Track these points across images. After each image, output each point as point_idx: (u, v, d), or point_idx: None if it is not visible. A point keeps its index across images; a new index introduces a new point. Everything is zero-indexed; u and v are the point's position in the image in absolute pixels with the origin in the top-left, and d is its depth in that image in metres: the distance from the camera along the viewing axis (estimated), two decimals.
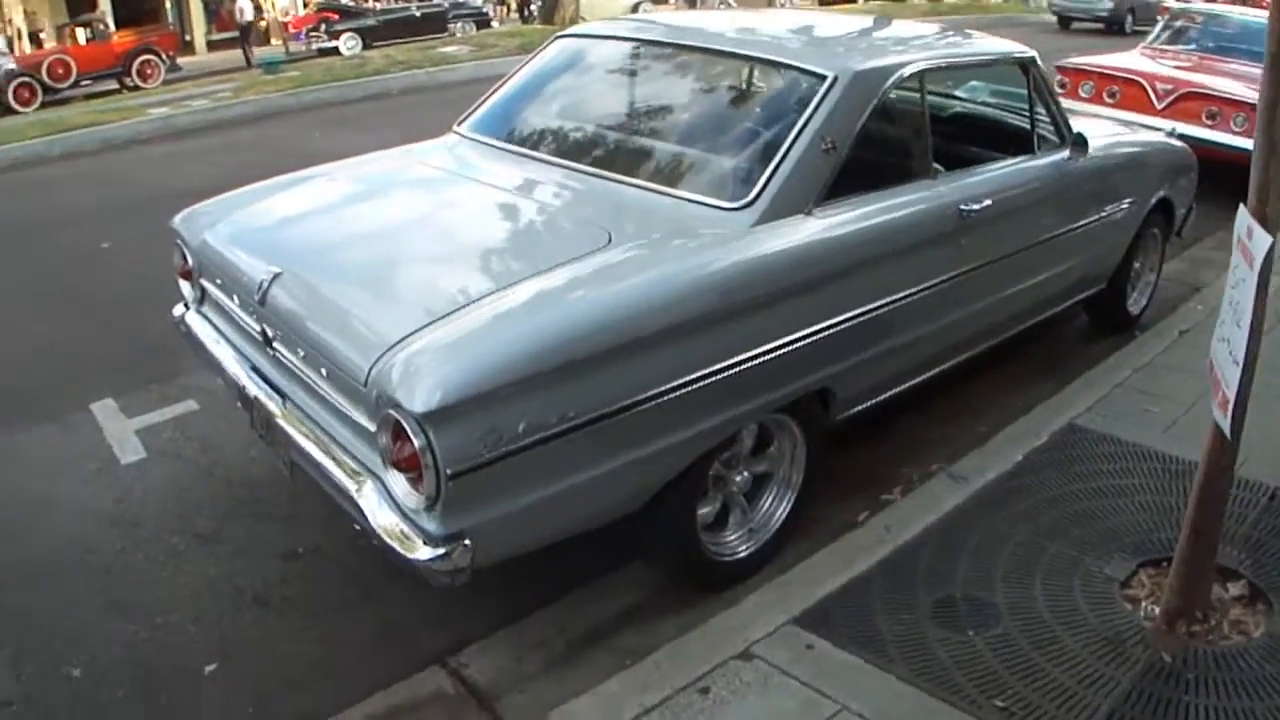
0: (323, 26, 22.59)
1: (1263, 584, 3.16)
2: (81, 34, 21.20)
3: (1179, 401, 4.37)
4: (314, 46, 22.52)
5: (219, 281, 3.51)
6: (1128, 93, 8.20)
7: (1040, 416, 4.31)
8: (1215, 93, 7.78)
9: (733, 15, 5.16)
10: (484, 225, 3.47)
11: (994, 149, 4.34)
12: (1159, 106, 7.97)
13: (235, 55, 23.84)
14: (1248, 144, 7.08)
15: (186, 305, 3.87)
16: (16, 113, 17.82)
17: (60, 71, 19.51)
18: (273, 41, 25.34)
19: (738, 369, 3.01)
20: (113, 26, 22.19)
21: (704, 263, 3.02)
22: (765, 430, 3.42)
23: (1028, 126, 4.35)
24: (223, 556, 3.66)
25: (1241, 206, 2.68)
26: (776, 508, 3.53)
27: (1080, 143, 4.39)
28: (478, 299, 2.74)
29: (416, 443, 2.42)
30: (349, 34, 22.01)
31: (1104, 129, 5.45)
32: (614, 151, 3.79)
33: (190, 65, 22.80)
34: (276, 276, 3.09)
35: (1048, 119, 4.44)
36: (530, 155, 3.83)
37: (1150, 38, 9.35)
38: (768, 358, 3.09)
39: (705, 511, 3.27)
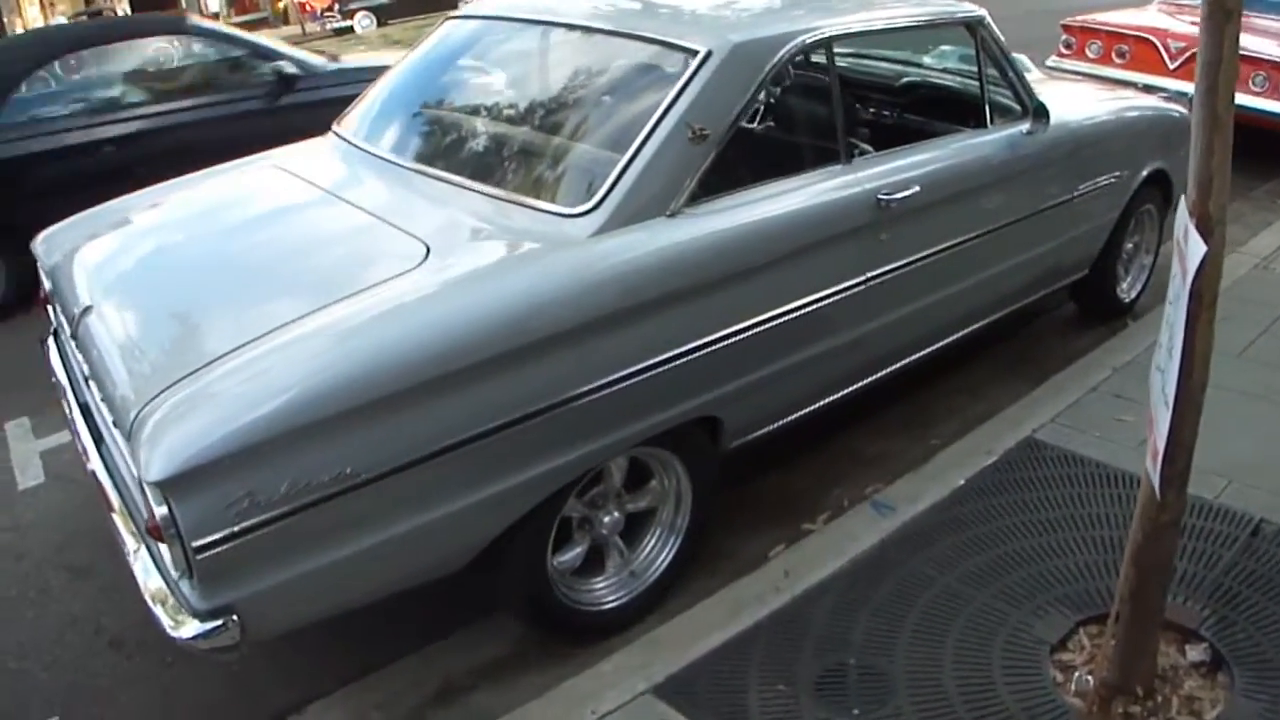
0: (336, 6, 22.25)
1: (1227, 649, 2.62)
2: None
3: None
4: (329, 26, 22.18)
5: (58, 309, 3.20)
6: (1138, 52, 7.51)
7: (994, 429, 3.78)
8: None
9: None
10: (303, 248, 3.01)
11: (936, 125, 3.79)
12: (1171, 66, 7.29)
13: (257, 35, 23.55)
14: (1269, 105, 6.46)
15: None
16: None
17: None
18: (290, 21, 25.03)
19: (577, 403, 2.56)
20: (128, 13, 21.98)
21: (520, 284, 2.55)
22: (643, 464, 2.97)
23: (978, 97, 3.78)
24: (91, 594, 3.43)
25: (1182, 202, 2.16)
26: (659, 554, 3.08)
27: (1041, 113, 3.82)
28: (247, 343, 2.34)
29: (158, 512, 2.10)
30: (363, 12, 21.66)
31: (1088, 94, 4.86)
32: (465, 152, 3.34)
33: None
34: (86, 310, 2.80)
35: (1004, 87, 3.87)
36: (385, 159, 3.37)
37: None
38: (619, 387, 2.63)
39: (569, 556, 2.89)
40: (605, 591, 2.98)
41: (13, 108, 5.93)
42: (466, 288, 2.52)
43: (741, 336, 2.90)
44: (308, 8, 24.51)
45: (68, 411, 3.10)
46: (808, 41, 3.12)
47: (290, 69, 6.61)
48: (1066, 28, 7.96)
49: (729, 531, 3.43)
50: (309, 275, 2.76)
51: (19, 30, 22.47)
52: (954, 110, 3.95)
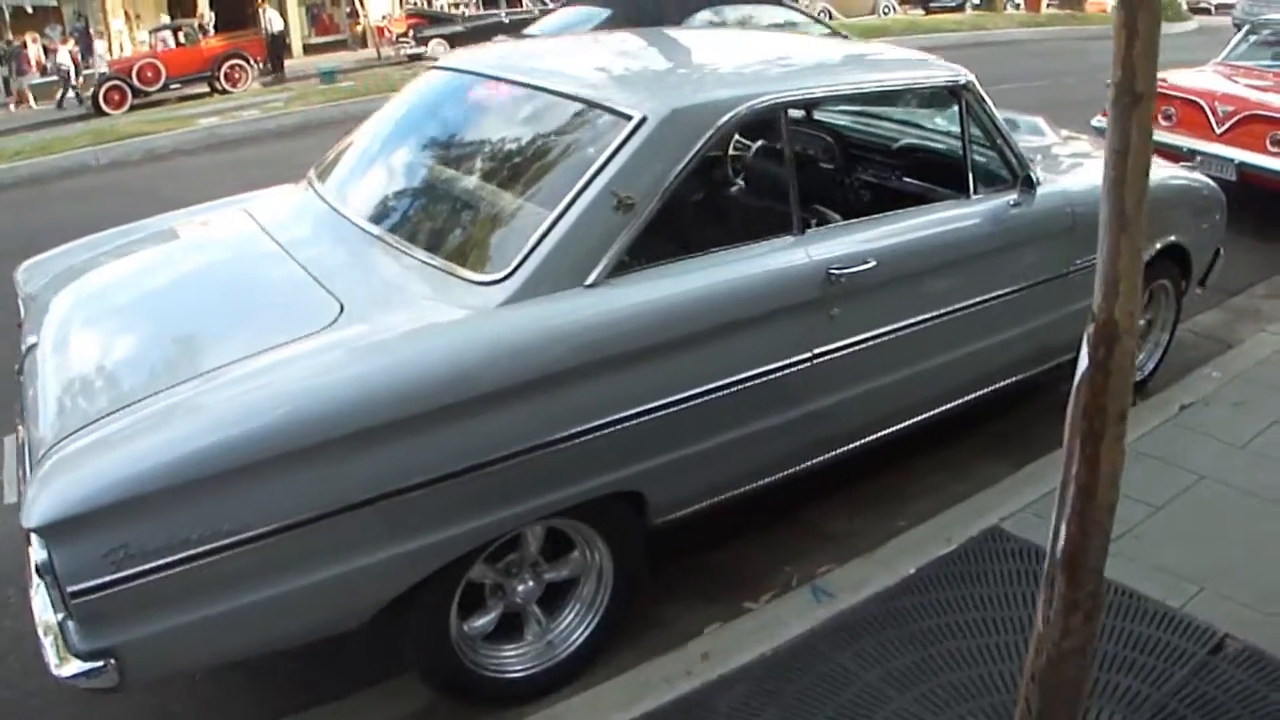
0: (411, 32, 22.54)
1: None
2: (171, 38, 21.52)
3: (1144, 502, 3.60)
4: (403, 52, 22.49)
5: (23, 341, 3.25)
6: (1184, 114, 7.25)
7: (960, 514, 3.59)
8: None
9: (607, 39, 4.55)
10: (232, 301, 3.02)
11: (914, 192, 3.64)
12: (1218, 131, 7.02)
13: (332, 58, 24.06)
14: None
15: None
16: (106, 114, 18.27)
17: (150, 75, 19.83)
18: (368, 45, 25.44)
19: (477, 472, 2.51)
20: (210, 31, 22.54)
21: (417, 353, 2.52)
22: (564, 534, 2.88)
23: (960, 165, 3.62)
24: None
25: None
26: (577, 627, 2.97)
27: (1029, 184, 3.65)
28: (147, 396, 2.40)
29: (37, 555, 2.18)
30: (437, 40, 21.86)
31: (1100, 160, 4.66)
32: (402, 209, 3.30)
33: (287, 68, 23.06)
34: (32, 346, 2.90)
35: (993, 155, 3.71)
36: (337, 211, 3.34)
37: (1226, 51, 8.31)
38: (525, 458, 2.57)
39: (481, 622, 2.82)
40: (514, 661, 2.88)
41: None
42: (363, 355, 2.50)
43: (667, 412, 2.79)
44: (385, 33, 24.93)
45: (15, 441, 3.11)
46: (757, 107, 3.00)
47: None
48: None
49: (671, 599, 3.31)
50: (226, 329, 2.78)
51: (108, 43, 23.17)
52: (939, 177, 3.79)
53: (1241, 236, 6.44)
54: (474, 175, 3.19)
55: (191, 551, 2.21)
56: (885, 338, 3.26)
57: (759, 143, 3.26)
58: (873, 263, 3.13)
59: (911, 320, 3.34)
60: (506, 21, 23.64)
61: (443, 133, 3.57)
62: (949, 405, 3.73)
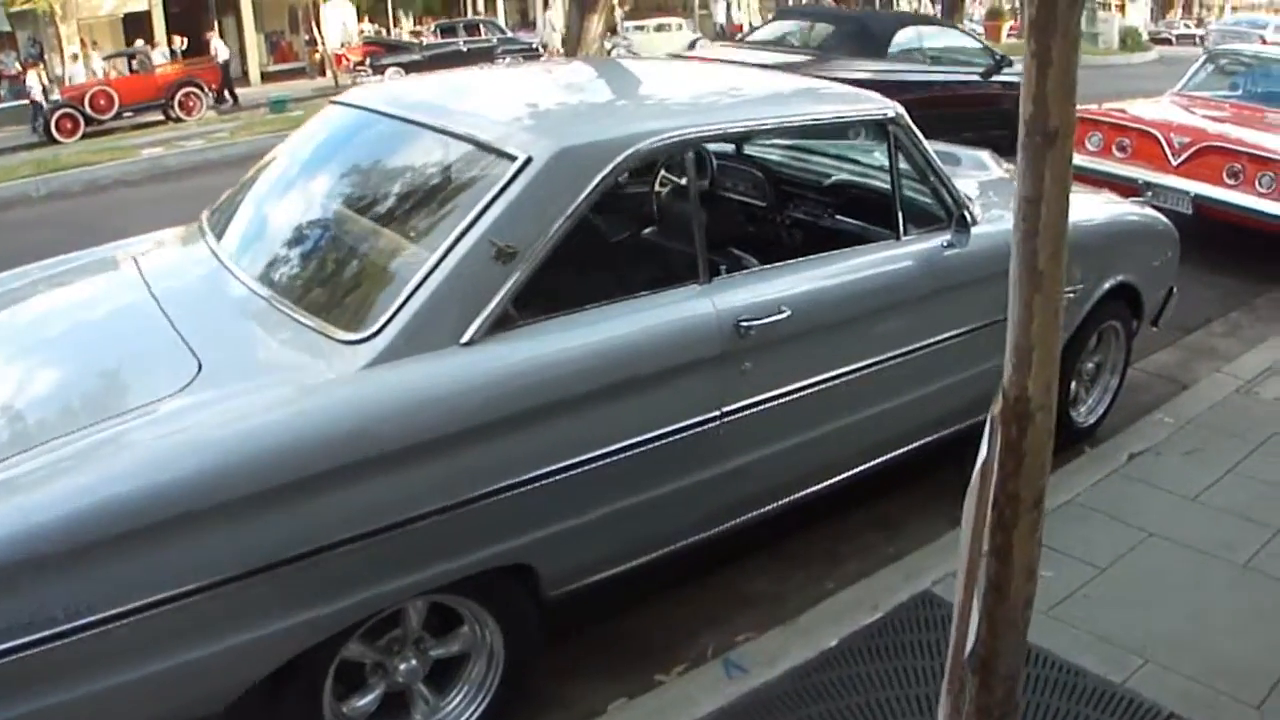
0: (368, 61, 22.36)
1: None
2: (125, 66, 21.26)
3: (1088, 563, 3.39)
4: (360, 80, 22.30)
5: None
6: (1139, 146, 7.09)
7: (890, 578, 3.35)
8: (1237, 147, 6.63)
9: (527, 71, 4.34)
10: (94, 359, 2.76)
11: (840, 235, 3.41)
12: (1174, 163, 6.86)
13: (289, 85, 23.82)
14: (1275, 208, 5.99)
15: None
16: (59, 143, 17.98)
17: (102, 103, 19.61)
18: (326, 74, 25.21)
19: (337, 550, 2.27)
20: (165, 59, 22.29)
21: (269, 423, 2.26)
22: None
23: (890, 205, 3.39)
24: None
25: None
26: (467, 708, 2.71)
27: (964, 224, 3.43)
28: None
29: None
30: (394, 68, 21.68)
31: None
32: (278, 258, 3.04)
33: (243, 97, 22.80)
34: None
35: (926, 193, 3.49)
36: (218, 257, 3.09)
37: (1182, 82, 8.18)
38: (390, 534, 2.33)
39: (363, 702, 2.58)
40: None
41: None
42: (209, 426, 2.24)
43: (556, 479, 2.54)
44: (343, 61, 24.72)
45: None
46: (658, 145, 2.76)
47: (998, 57, 10.24)
48: None
49: (575, 673, 3.05)
50: (79, 392, 2.57)
51: (60, 68, 22.81)
52: (870, 216, 3.57)
53: (1198, 272, 6.27)
54: (354, 223, 2.95)
55: (15, 642, 1.97)
56: (804, 392, 3.02)
57: (678, 182, 3.03)
58: (787, 312, 2.89)
59: (834, 372, 3.10)
60: (465, 50, 23.58)
61: (330, 174, 3.31)
62: (880, 459, 3.49)
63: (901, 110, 3.38)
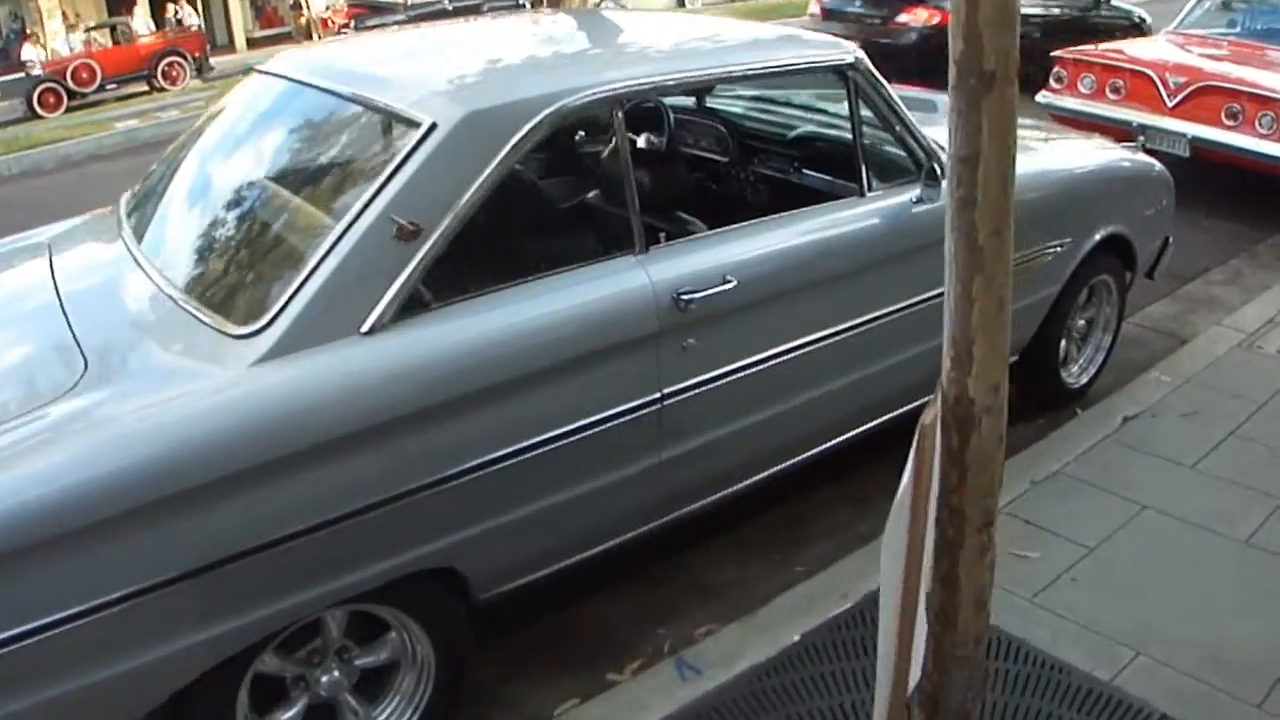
0: (353, 23, 21.88)
1: None
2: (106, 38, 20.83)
3: (1077, 543, 3.15)
4: None
5: None
6: (1134, 87, 6.75)
7: (859, 562, 3.11)
8: (1237, 86, 6.30)
9: (455, 28, 4.05)
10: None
11: (800, 194, 3.15)
12: (1170, 104, 6.53)
13: (275, 50, 23.36)
14: (1277, 150, 5.68)
15: None
16: (42, 118, 17.60)
17: (85, 76, 19.14)
18: (314, 37, 24.74)
19: (233, 564, 2.08)
20: (146, 29, 21.83)
21: (152, 427, 2.05)
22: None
23: (852, 159, 3.12)
24: None
25: None
26: (399, 719, 2.51)
27: (933, 176, 3.16)
28: None
29: None
30: (378, 29, 21.22)
31: (1030, 144, 4.17)
32: (181, 243, 2.82)
33: (227, 64, 22.35)
34: None
35: (893, 144, 3.21)
36: (126, 245, 2.84)
37: (1178, 19, 7.81)
38: (291, 543, 2.13)
39: (286, 717, 2.41)
40: None
41: None
42: (84, 433, 2.03)
43: (477, 475, 2.31)
44: (329, 24, 24.23)
45: None
46: (580, 103, 2.49)
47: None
48: (1059, 60, 7.22)
49: (523, 672, 2.86)
50: None
51: (44, 41, 22.38)
52: (834, 172, 3.30)
53: (1196, 217, 6.00)
54: (261, 205, 2.70)
55: None
56: (756, 369, 2.77)
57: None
58: (733, 282, 2.64)
59: (789, 344, 2.84)
60: (450, 9, 23.02)
61: (244, 152, 3.05)
62: (844, 436, 3.24)
63: (862, 55, 3.11)
